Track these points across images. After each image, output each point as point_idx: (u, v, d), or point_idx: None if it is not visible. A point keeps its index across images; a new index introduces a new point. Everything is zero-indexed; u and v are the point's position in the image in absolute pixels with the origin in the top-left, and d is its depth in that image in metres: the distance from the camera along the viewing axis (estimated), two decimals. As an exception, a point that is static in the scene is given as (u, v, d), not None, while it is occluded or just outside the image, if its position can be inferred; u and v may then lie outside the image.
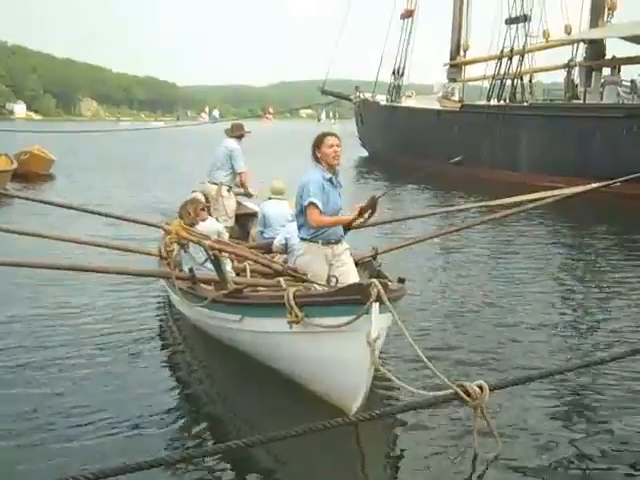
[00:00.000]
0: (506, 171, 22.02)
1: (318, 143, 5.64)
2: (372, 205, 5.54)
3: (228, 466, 4.06)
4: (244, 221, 9.66)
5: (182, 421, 4.74)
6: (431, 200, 18.77)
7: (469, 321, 6.92)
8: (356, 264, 6.35)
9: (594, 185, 8.34)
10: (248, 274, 6.50)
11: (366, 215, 5.64)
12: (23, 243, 9.44)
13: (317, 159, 5.65)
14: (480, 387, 3.88)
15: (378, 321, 4.17)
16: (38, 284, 8.03)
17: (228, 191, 9.30)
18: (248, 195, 9.74)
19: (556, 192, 8.32)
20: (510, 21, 25.64)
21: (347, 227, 5.81)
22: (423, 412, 4.43)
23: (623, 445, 4.33)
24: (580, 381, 5.31)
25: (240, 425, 4.78)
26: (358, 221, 5.70)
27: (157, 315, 7.22)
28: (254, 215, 9.36)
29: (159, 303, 7.58)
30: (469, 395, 3.85)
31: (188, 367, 5.88)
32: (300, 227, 5.74)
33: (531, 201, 8.16)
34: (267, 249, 7.52)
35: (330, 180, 5.61)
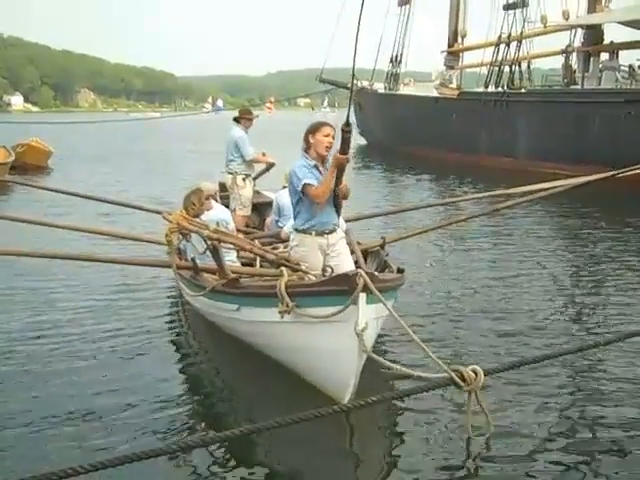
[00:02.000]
0: (504, 157, 22.03)
1: (314, 130, 5.54)
2: (343, 139, 5.21)
3: (224, 454, 4.06)
4: (261, 210, 9.61)
5: (181, 410, 4.73)
6: (432, 188, 18.76)
7: (469, 308, 6.90)
8: (365, 253, 6.33)
9: (609, 173, 8.25)
10: (258, 264, 6.50)
11: (347, 155, 5.31)
12: (24, 232, 9.45)
13: (308, 146, 5.54)
14: (475, 372, 3.89)
15: (366, 311, 4.16)
16: (44, 271, 8.06)
17: (243, 180, 9.24)
18: (270, 165, 9.62)
19: (569, 181, 8.26)
20: (508, 7, 25.56)
21: (339, 203, 5.60)
22: (418, 396, 4.43)
23: (618, 428, 4.33)
24: (575, 365, 5.31)
25: (239, 413, 4.78)
26: (343, 162, 5.28)
27: (168, 304, 7.25)
28: (271, 204, 9.37)
29: (169, 291, 7.60)
30: (464, 380, 3.86)
31: (191, 355, 5.89)
32: (295, 217, 5.69)
33: (542, 190, 8.08)
34: (280, 238, 7.47)
35: (315, 167, 5.48)
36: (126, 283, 7.75)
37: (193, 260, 6.07)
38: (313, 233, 5.53)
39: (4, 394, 4.94)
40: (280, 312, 4.57)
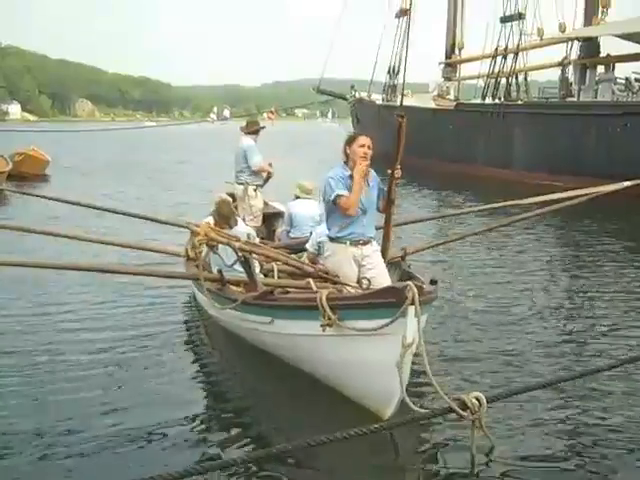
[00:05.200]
0: (501, 169, 22.07)
1: (350, 141, 5.61)
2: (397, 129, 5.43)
3: (257, 474, 3.99)
4: (270, 221, 9.59)
5: (213, 428, 4.63)
6: (432, 199, 18.71)
7: (474, 329, 6.75)
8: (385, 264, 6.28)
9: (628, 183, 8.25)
10: (275, 275, 6.40)
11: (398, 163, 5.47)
12: (32, 243, 9.55)
13: (346, 157, 5.61)
14: (477, 399, 3.88)
15: (413, 324, 4.11)
16: (57, 286, 8.03)
17: (255, 191, 9.24)
18: (269, 176, 9.52)
19: (592, 190, 8.19)
20: (505, 19, 25.68)
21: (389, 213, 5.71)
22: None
23: (624, 454, 4.28)
24: (579, 390, 5.20)
25: (271, 431, 4.66)
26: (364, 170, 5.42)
27: (184, 317, 7.14)
28: (280, 215, 9.29)
29: (185, 305, 7.52)
30: (467, 407, 3.85)
31: (217, 370, 5.78)
32: (328, 226, 5.67)
33: (562, 200, 8.02)
34: (293, 249, 7.39)
35: (351, 177, 5.49)
36: (134, 297, 7.63)
37: (220, 272, 5.97)
38: (347, 243, 5.52)
39: (21, 408, 4.86)
40: (322, 325, 4.49)
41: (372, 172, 5.72)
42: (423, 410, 4.18)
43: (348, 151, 5.59)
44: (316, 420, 4.70)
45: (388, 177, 5.64)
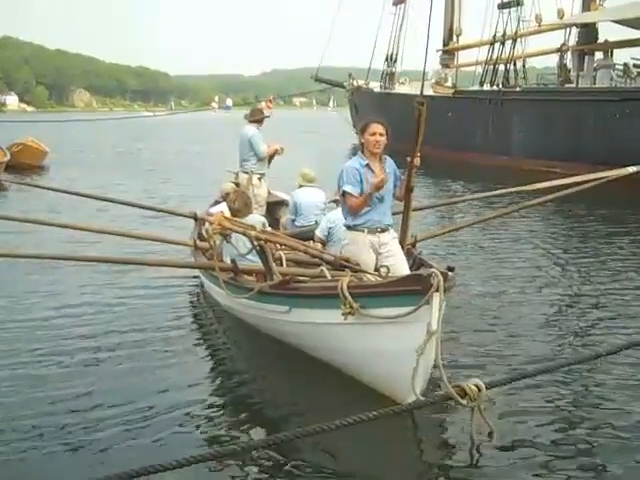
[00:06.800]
0: (500, 156, 22.05)
1: (362, 130, 5.59)
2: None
3: (277, 459, 4.01)
4: (274, 209, 9.58)
5: (228, 415, 4.67)
6: (435, 187, 18.66)
7: (472, 316, 6.78)
8: None
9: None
10: (284, 263, 6.38)
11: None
12: (30, 235, 9.58)
13: (362, 145, 5.60)
14: (477, 386, 3.90)
15: (437, 312, 4.12)
16: (58, 276, 8.05)
17: (259, 179, 9.23)
18: (275, 152, 9.48)
19: (597, 175, 8.15)
20: (503, 5, 25.61)
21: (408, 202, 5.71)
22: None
23: (622, 440, 4.29)
24: (578, 376, 5.23)
25: (286, 417, 4.69)
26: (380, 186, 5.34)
27: (192, 307, 7.14)
28: (283, 203, 9.29)
29: (193, 294, 7.51)
30: (466, 394, 3.88)
31: (231, 360, 5.80)
32: (345, 215, 5.67)
33: (567, 186, 8.03)
34: (300, 237, 7.27)
35: (367, 166, 5.48)
36: (140, 288, 7.63)
37: (233, 261, 5.97)
38: (365, 231, 5.48)
39: (31, 398, 4.87)
40: (343, 314, 4.49)
41: (389, 159, 5.71)
42: (423, 397, 4.21)
43: (362, 140, 5.56)
44: (328, 408, 4.70)
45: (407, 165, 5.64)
